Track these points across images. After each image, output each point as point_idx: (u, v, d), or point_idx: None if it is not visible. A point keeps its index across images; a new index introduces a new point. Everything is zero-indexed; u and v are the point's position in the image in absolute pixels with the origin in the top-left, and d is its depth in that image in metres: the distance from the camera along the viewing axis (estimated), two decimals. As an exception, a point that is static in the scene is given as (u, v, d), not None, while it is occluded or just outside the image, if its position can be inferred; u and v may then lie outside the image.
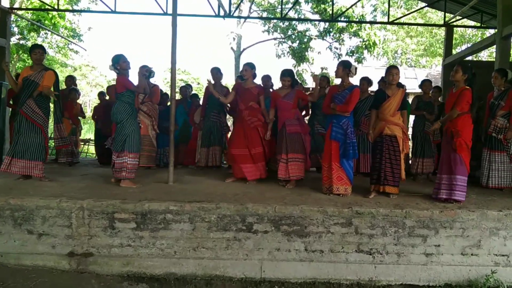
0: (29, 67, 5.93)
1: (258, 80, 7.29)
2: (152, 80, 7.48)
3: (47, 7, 13.24)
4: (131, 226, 4.55)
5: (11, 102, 8.58)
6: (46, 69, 5.91)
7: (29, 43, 18.57)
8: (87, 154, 14.77)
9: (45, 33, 18.41)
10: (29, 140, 5.67)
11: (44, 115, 5.78)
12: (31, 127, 5.69)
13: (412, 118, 7.65)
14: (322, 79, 7.41)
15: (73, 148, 8.07)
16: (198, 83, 31.89)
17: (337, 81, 5.79)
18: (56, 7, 12.61)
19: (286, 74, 6.17)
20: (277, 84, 7.71)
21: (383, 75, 5.63)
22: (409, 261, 4.58)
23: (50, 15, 14.35)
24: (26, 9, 14.75)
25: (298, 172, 6.01)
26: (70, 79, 8.93)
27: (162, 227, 4.55)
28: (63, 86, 9.33)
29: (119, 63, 5.73)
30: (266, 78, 7.55)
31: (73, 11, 17.72)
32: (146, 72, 6.39)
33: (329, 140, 5.44)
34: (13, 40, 16.65)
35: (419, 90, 7.95)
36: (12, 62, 17.21)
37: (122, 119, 5.62)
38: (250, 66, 6.32)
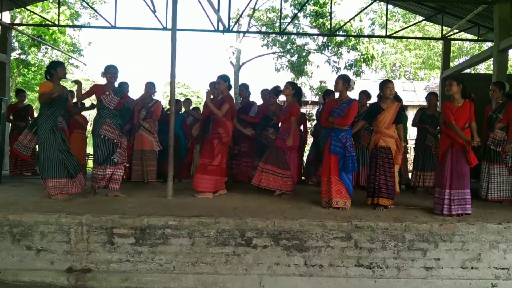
0: (51, 83, 5.74)
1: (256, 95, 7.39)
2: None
3: (47, 22, 13.32)
4: (130, 241, 4.53)
5: (11, 117, 8.60)
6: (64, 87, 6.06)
7: (30, 58, 18.72)
8: (87, 169, 14.74)
9: (46, 48, 18.54)
10: None
11: None
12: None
13: (414, 130, 7.66)
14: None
15: None
16: (198, 97, 31.99)
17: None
18: (56, 22, 12.69)
19: (291, 84, 6.45)
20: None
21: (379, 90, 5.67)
22: (409, 275, 4.56)
23: (51, 31, 14.46)
24: (27, 24, 14.87)
25: (272, 185, 6.21)
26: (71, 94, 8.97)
27: (161, 242, 4.53)
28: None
29: (107, 73, 5.93)
30: (265, 92, 7.64)
31: (73, 26, 17.87)
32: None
33: (328, 154, 5.45)
34: (14, 55, 16.77)
35: (417, 103, 7.99)
36: (13, 77, 17.30)
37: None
38: (224, 79, 6.24)
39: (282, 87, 6.90)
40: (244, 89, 7.85)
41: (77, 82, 5.97)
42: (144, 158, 7.26)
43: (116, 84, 6.23)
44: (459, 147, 5.08)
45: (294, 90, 6.30)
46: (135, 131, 7.37)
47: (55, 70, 5.73)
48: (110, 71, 5.94)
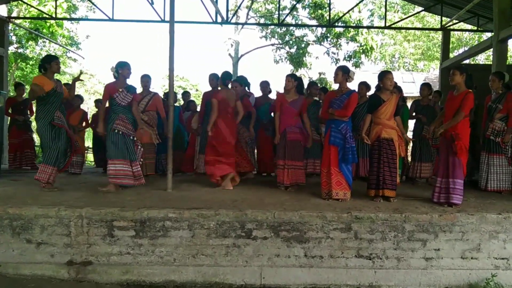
0: (45, 77, 5.84)
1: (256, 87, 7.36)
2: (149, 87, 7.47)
3: (45, 15, 13.26)
4: (130, 234, 4.53)
5: (9, 111, 8.58)
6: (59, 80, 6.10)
7: (27, 52, 18.65)
8: (87, 162, 14.76)
9: (43, 42, 18.48)
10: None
11: None
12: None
13: (412, 122, 7.67)
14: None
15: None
16: (197, 90, 31.92)
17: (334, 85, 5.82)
18: (54, 15, 12.64)
19: (292, 76, 6.29)
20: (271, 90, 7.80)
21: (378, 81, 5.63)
22: (409, 266, 4.56)
23: (48, 24, 14.42)
24: (24, 18, 14.81)
25: (296, 179, 6.07)
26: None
27: (161, 235, 4.53)
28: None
29: (123, 69, 5.87)
30: (265, 84, 7.62)
31: (71, 19, 17.80)
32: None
33: (328, 145, 5.44)
34: (11, 48, 16.70)
35: (417, 94, 7.99)
36: (10, 71, 17.24)
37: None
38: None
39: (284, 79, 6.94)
40: (237, 84, 7.76)
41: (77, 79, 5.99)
42: (143, 151, 7.22)
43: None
44: (448, 136, 5.11)
45: (296, 82, 6.17)
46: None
47: (50, 64, 5.75)
48: (126, 67, 5.91)
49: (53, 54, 19.74)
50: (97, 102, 9.29)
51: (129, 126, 5.86)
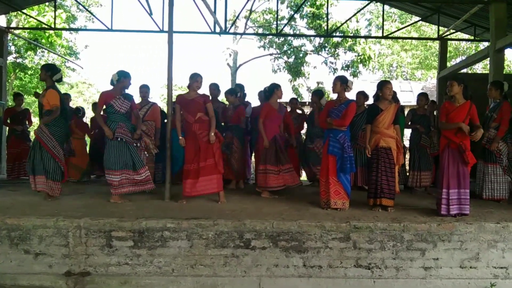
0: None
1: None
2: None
3: (44, 26, 13.32)
4: (128, 244, 4.52)
5: (8, 121, 8.59)
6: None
7: (26, 62, 18.69)
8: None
9: (42, 52, 18.52)
10: None
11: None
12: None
13: (409, 131, 7.70)
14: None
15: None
16: (194, 99, 31.93)
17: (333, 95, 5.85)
18: (53, 26, 12.69)
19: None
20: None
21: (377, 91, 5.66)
22: (408, 275, 4.56)
23: (47, 34, 14.42)
24: (23, 28, 14.84)
25: (293, 180, 6.39)
26: (66, 97, 8.95)
27: (160, 245, 4.53)
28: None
29: (125, 79, 5.88)
30: (262, 94, 7.64)
31: (69, 29, 17.86)
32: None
33: (326, 155, 5.46)
34: (10, 58, 16.74)
35: (415, 103, 8.02)
36: (9, 81, 17.28)
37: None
38: (201, 77, 6.00)
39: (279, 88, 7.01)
40: (238, 89, 7.84)
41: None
42: None
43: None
44: (455, 146, 5.08)
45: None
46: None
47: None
48: (128, 78, 5.92)
49: (52, 63, 19.84)
50: (95, 106, 9.26)
51: (130, 134, 5.83)
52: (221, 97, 8.13)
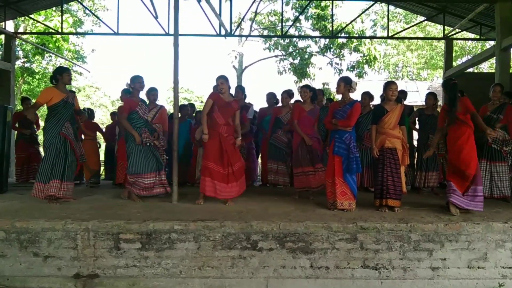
0: (55, 88, 5.89)
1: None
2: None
3: (51, 30, 13.44)
4: (136, 246, 4.55)
5: (16, 125, 8.66)
6: (73, 92, 6.18)
7: (34, 66, 18.85)
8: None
9: (50, 56, 18.68)
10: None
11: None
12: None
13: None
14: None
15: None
16: (201, 101, 32.06)
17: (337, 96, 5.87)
18: (60, 30, 12.81)
19: (307, 87, 6.50)
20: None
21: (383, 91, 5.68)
22: (415, 276, 4.55)
23: (54, 38, 14.58)
24: (31, 33, 15.00)
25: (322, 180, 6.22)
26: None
27: (167, 247, 4.55)
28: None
29: (134, 83, 6.04)
30: (269, 96, 7.69)
31: (76, 34, 18.01)
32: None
33: (332, 155, 5.46)
34: (18, 63, 16.90)
35: (421, 103, 8.00)
36: (17, 85, 17.42)
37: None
38: (226, 79, 5.95)
39: (284, 90, 7.04)
40: (239, 91, 7.85)
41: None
42: None
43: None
44: None
45: (311, 93, 6.39)
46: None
47: (61, 75, 5.84)
48: (139, 81, 6.07)
49: (57, 66, 20.01)
50: (114, 115, 9.32)
51: (152, 138, 6.05)
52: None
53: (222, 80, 5.88)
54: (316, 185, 6.27)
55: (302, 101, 6.59)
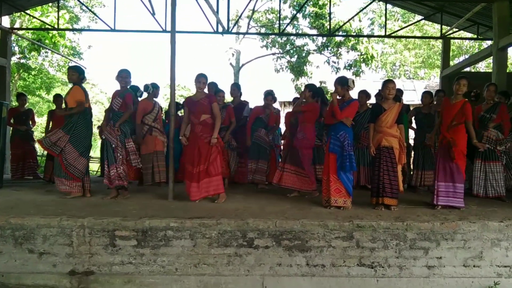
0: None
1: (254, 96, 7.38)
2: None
3: (47, 26, 13.37)
4: (132, 243, 4.54)
5: (12, 121, 8.62)
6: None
7: (30, 62, 18.76)
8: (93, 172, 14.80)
9: (46, 52, 18.60)
10: None
11: None
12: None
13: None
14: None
15: None
16: (198, 99, 31.97)
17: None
18: (56, 26, 12.74)
19: (307, 86, 6.52)
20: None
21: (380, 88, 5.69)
22: (411, 274, 4.55)
23: (51, 34, 14.51)
24: (27, 29, 14.93)
25: (294, 184, 6.41)
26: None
27: (163, 244, 4.54)
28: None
29: (117, 76, 6.12)
30: (265, 94, 7.66)
31: (73, 30, 17.93)
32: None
33: (328, 153, 5.46)
34: (14, 59, 16.81)
35: (418, 102, 8.01)
36: (13, 81, 17.33)
37: None
38: (205, 77, 5.88)
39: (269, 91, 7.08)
40: (235, 89, 7.83)
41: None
42: (156, 159, 7.25)
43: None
44: (446, 142, 5.41)
45: (311, 92, 6.27)
46: (146, 134, 7.23)
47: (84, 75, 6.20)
48: (121, 75, 6.11)
49: (56, 64, 19.91)
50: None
51: (114, 133, 6.05)
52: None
53: (202, 78, 5.84)
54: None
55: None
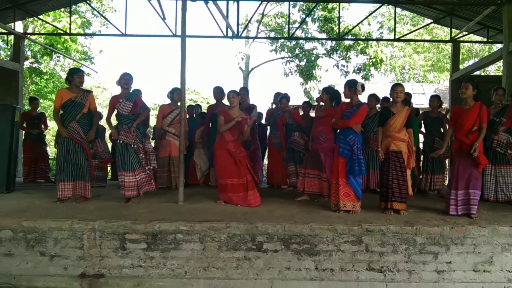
0: (66, 89, 5.99)
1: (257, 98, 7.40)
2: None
3: (59, 31, 13.54)
4: (141, 246, 4.58)
5: (24, 125, 8.73)
6: (89, 92, 6.13)
7: (42, 67, 18.98)
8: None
9: (58, 57, 18.80)
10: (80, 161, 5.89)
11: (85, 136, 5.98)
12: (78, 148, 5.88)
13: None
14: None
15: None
16: (208, 103, 32.08)
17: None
18: (68, 31, 12.89)
19: (325, 89, 6.47)
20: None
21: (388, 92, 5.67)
22: (420, 279, 4.54)
23: (63, 39, 14.67)
24: (39, 34, 15.10)
25: (315, 188, 6.37)
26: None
27: (173, 247, 4.57)
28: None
29: (119, 80, 6.10)
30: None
31: (84, 35, 18.13)
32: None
33: (337, 156, 5.46)
34: (26, 63, 17.02)
35: (427, 105, 7.98)
36: (25, 85, 17.55)
37: None
38: (237, 93, 6.09)
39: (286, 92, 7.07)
40: (244, 93, 7.86)
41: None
42: (172, 164, 7.22)
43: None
44: (467, 148, 5.18)
45: (328, 95, 6.27)
46: (160, 138, 7.28)
47: (72, 77, 5.90)
48: (124, 78, 6.08)
49: (67, 68, 20.11)
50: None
51: (131, 136, 6.04)
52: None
53: (233, 93, 6.03)
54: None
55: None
